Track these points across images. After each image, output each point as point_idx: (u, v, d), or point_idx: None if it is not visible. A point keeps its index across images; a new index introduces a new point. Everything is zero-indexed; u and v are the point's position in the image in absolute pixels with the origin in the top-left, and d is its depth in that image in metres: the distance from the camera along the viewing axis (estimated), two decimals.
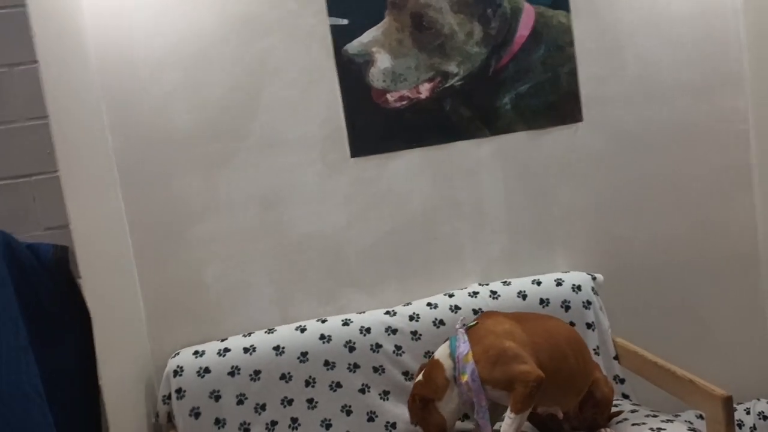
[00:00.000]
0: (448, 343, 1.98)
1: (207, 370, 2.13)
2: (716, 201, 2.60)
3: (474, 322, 1.99)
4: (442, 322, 2.26)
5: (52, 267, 1.46)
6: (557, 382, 1.89)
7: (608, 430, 2.00)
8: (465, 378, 1.85)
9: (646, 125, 2.53)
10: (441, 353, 1.97)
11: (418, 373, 2.01)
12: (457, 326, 1.99)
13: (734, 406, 1.85)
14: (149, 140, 2.23)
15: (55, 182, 1.57)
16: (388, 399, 2.20)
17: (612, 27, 2.47)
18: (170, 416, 2.15)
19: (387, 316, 2.28)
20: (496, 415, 1.91)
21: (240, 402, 2.13)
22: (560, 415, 1.98)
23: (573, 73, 2.46)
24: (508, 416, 1.81)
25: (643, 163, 2.54)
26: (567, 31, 2.43)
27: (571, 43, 2.44)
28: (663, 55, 2.52)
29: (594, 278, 2.38)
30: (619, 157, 2.53)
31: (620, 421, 2.06)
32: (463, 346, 1.89)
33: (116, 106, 2.20)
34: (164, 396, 2.14)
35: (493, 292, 2.32)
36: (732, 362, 2.62)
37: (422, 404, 1.90)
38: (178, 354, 2.19)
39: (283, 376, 2.16)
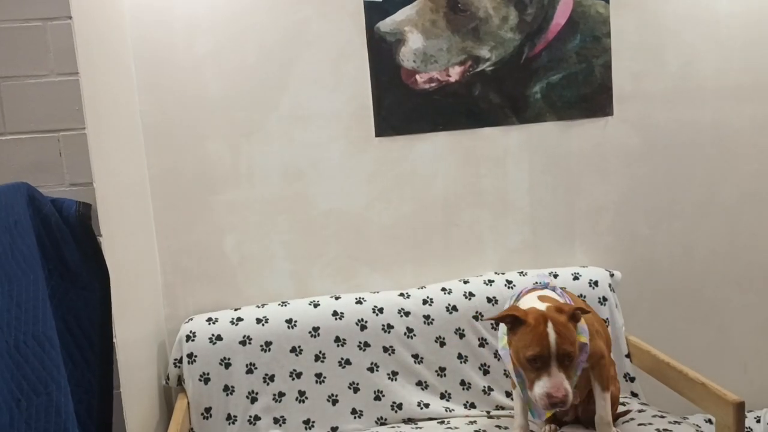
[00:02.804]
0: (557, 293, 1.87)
1: (219, 338, 2.15)
2: (748, 209, 2.55)
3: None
4: (455, 308, 2.25)
5: (74, 223, 1.48)
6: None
7: (616, 429, 1.98)
8: (582, 339, 1.78)
9: (681, 125, 2.48)
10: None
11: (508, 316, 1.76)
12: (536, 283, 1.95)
13: (745, 413, 1.83)
14: (177, 104, 2.24)
15: (82, 139, 1.58)
16: (396, 380, 2.20)
17: (653, 21, 2.42)
18: (180, 380, 2.17)
19: (401, 298, 2.28)
20: None
21: (249, 371, 2.15)
22: (576, 400, 1.97)
23: (608, 66, 2.41)
24: (602, 397, 1.86)
25: (674, 164, 2.50)
26: (605, 22, 2.39)
27: (608, 35, 2.40)
28: (707, 55, 2.45)
29: (612, 275, 2.36)
30: (649, 155, 2.48)
31: (627, 421, 2.04)
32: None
33: (147, 68, 2.21)
34: (176, 359, 2.17)
35: (509, 282, 2.31)
36: (747, 371, 2.58)
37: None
38: (191, 319, 2.22)
39: (293, 349, 2.18)
